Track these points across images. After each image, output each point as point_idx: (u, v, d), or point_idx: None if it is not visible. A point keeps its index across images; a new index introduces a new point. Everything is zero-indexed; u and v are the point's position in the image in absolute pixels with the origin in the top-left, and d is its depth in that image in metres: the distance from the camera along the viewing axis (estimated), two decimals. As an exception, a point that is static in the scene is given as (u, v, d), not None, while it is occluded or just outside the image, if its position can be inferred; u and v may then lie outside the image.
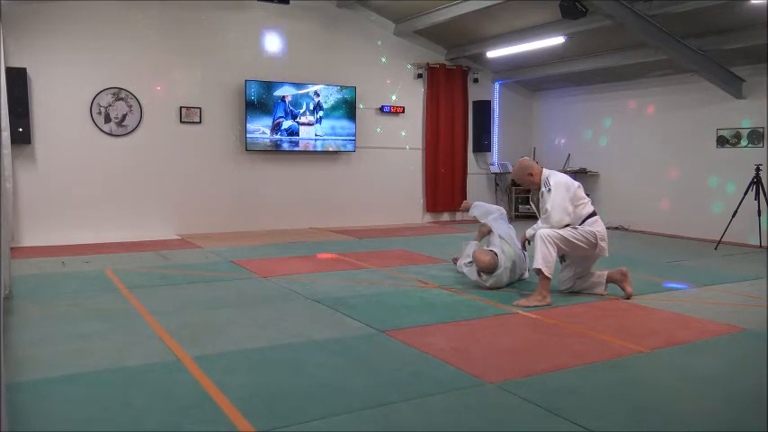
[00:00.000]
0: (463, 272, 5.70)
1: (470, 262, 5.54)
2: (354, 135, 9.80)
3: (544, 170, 5.14)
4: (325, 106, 9.54)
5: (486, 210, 6.06)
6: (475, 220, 6.38)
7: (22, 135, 7.59)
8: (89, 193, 8.20)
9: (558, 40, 8.77)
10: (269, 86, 9.13)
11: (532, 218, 5.43)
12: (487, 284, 5.31)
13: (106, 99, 8.26)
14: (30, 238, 7.80)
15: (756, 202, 7.63)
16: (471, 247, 5.77)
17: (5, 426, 2.50)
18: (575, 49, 9.27)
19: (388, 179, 10.37)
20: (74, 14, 7.98)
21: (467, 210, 6.24)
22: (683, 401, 3.02)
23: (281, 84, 9.21)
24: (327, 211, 9.83)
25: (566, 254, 5.09)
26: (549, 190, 4.94)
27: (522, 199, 10.97)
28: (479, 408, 2.89)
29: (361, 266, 6.41)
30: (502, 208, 6.11)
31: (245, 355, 3.57)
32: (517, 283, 5.52)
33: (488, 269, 5.32)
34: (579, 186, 5.06)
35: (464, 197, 10.88)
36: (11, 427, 2.63)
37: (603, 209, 9.59)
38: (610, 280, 5.18)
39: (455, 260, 6.26)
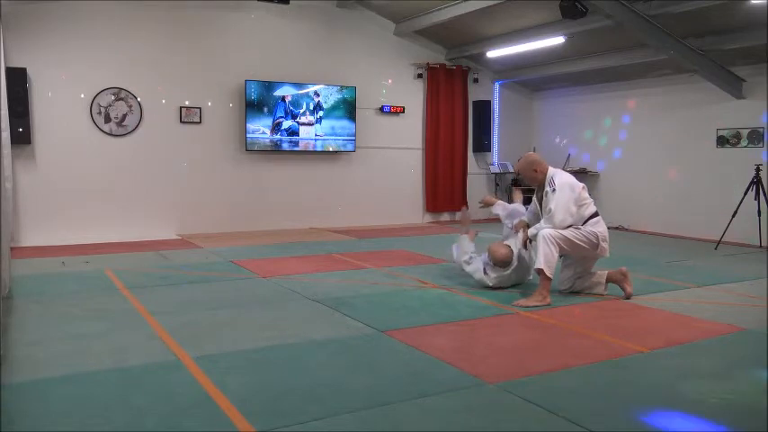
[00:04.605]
0: (465, 270, 5.49)
1: (470, 258, 5.45)
2: (354, 135, 9.80)
3: (550, 168, 5.10)
4: (325, 106, 9.54)
5: (510, 212, 5.77)
6: (476, 221, 6.34)
7: (22, 135, 7.59)
8: (89, 193, 8.19)
9: (558, 40, 8.77)
10: (269, 86, 9.13)
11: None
12: (490, 284, 5.28)
13: (106, 99, 8.27)
14: (30, 238, 7.80)
15: (756, 202, 7.63)
16: (467, 242, 5.68)
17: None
18: (575, 49, 9.27)
19: (388, 179, 10.37)
20: (74, 14, 7.98)
21: (490, 205, 5.92)
22: (683, 401, 3.02)
23: (281, 84, 9.21)
24: (327, 211, 9.82)
25: (567, 254, 5.08)
26: (554, 190, 4.91)
27: (522, 199, 10.95)
28: (479, 408, 2.89)
29: (361, 266, 6.41)
30: (525, 211, 5.73)
31: (245, 355, 3.57)
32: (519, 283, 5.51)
33: (502, 262, 5.23)
34: (584, 187, 5.03)
35: (464, 197, 10.89)
36: (11, 427, 2.63)
37: (603, 209, 9.58)
38: (610, 280, 5.18)
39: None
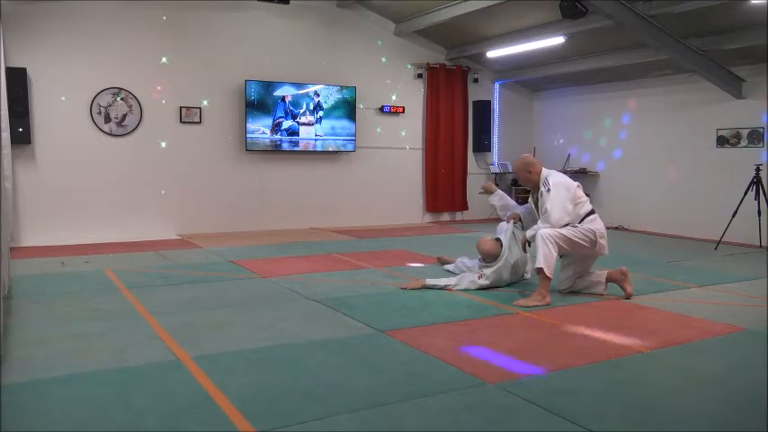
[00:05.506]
0: (459, 289, 5.30)
1: (456, 282, 5.35)
2: (354, 135, 9.80)
3: (544, 170, 5.13)
4: (325, 106, 9.54)
5: (506, 204, 5.81)
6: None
7: (22, 135, 7.59)
8: (89, 193, 8.20)
9: (558, 40, 8.77)
10: (269, 86, 9.12)
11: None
12: (488, 282, 5.28)
13: (106, 99, 8.26)
14: (30, 238, 7.80)
15: (756, 202, 7.63)
16: (444, 280, 5.46)
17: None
18: (575, 49, 9.27)
19: (388, 179, 10.37)
20: (74, 14, 7.98)
21: (490, 192, 5.84)
22: (683, 401, 3.02)
23: (281, 84, 9.21)
24: (327, 211, 9.82)
25: (566, 253, 5.08)
26: (549, 190, 4.94)
27: (522, 199, 10.96)
28: (479, 408, 2.89)
29: (361, 266, 6.41)
30: (521, 208, 5.73)
31: (245, 355, 3.57)
32: (517, 282, 5.52)
33: (489, 254, 5.34)
34: (578, 186, 5.08)
35: (464, 197, 10.89)
36: (11, 427, 2.63)
37: (603, 209, 9.60)
38: (610, 279, 5.18)
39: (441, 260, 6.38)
